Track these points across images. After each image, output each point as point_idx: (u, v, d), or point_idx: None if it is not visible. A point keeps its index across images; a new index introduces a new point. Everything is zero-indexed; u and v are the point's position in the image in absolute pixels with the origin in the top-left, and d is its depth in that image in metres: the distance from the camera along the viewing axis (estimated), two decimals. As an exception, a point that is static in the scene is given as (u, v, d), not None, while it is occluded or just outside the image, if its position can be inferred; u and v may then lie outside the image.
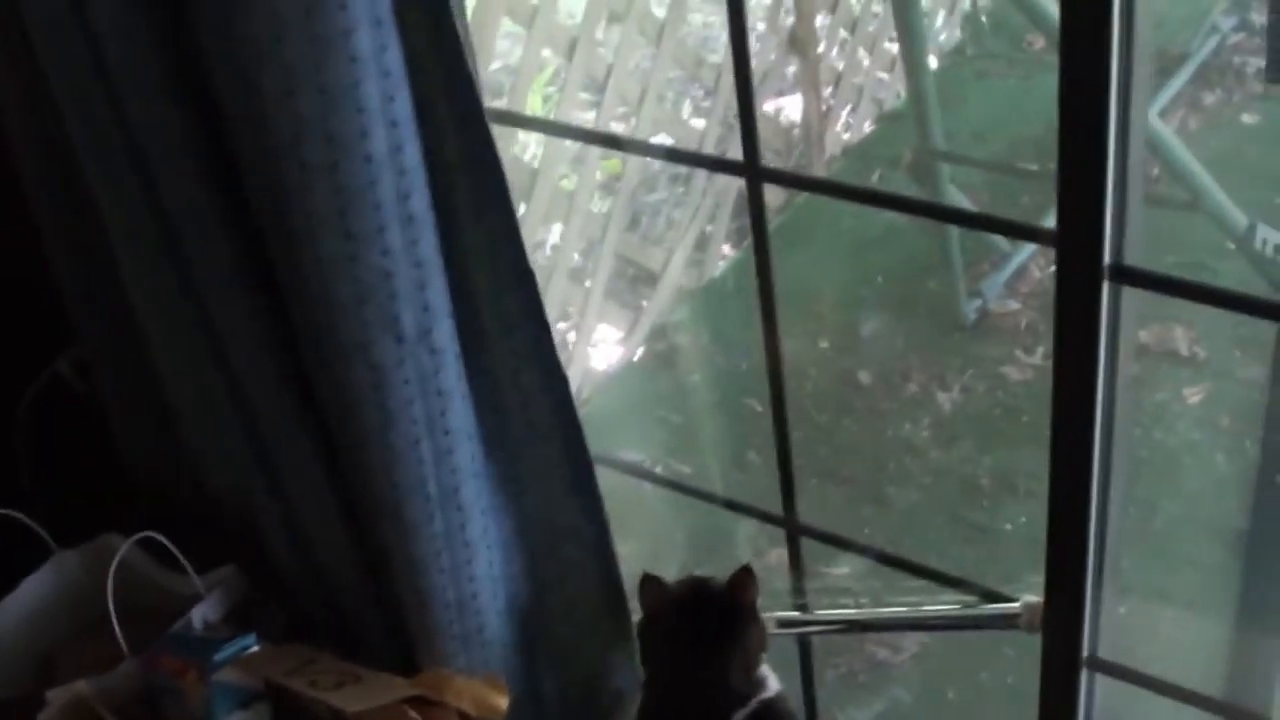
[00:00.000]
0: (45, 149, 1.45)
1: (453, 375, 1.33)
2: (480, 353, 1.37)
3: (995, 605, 1.46)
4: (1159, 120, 2.77)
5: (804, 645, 1.72)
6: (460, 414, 1.35)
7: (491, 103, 2.77)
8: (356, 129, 1.15)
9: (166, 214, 1.33)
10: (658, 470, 2.71)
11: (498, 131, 1.24)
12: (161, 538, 1.53)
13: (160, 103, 1.23)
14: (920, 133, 3.00)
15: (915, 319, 3.10)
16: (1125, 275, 1.09)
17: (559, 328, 2.97)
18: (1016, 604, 1.43)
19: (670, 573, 1.54)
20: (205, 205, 1.28)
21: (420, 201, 1.22)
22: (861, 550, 1.65)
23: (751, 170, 1.30)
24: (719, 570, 1.50)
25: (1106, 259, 1.08)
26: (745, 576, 1.48)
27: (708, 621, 1.48)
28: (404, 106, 1.18)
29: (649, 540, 2.30)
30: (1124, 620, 2.05)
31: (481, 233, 1.29)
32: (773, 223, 3.44)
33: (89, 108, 1.30)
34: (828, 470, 2.75)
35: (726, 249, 3.43)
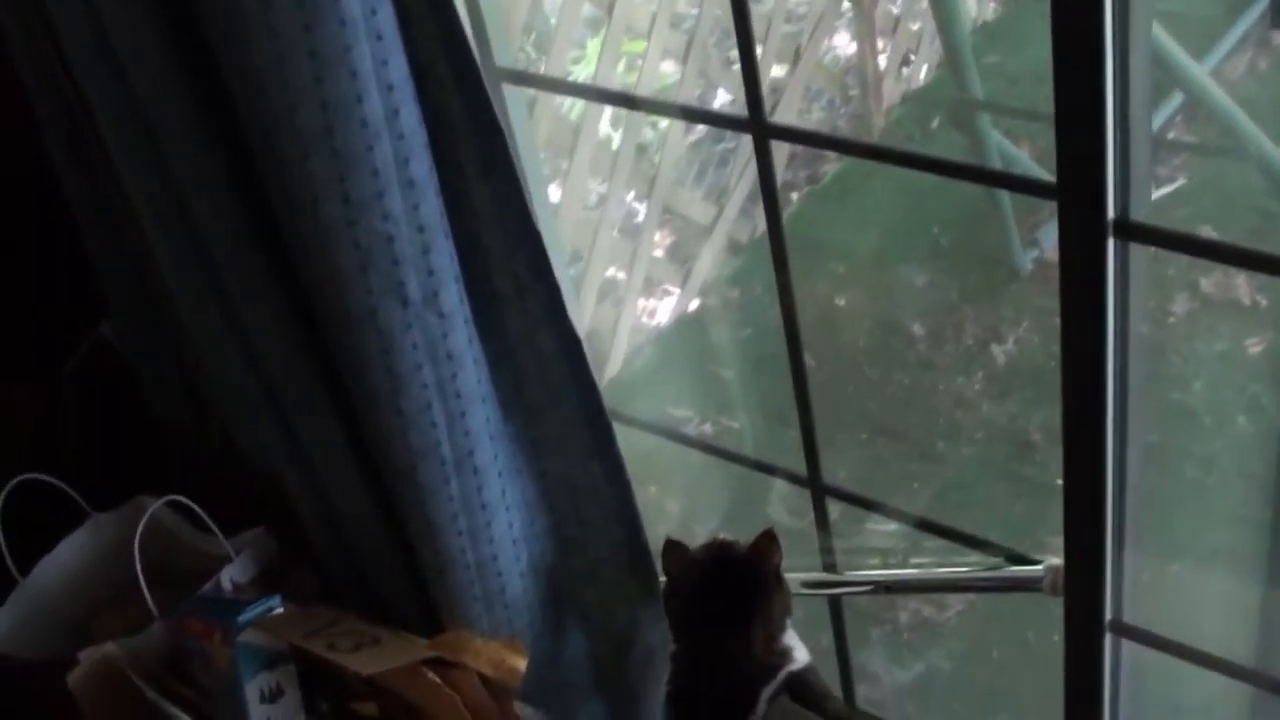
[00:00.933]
0: (69, 123, 1.46)
1: (462, 338, 1.32)
2: (494, 316, 1.36)
3: (1019, 568, 1.44)
4: (1179, 48, 2.66)
5: (835, 605, 1.70)
6: (472, 377, 1.34)
7: (537, 59, 2.76)
8: (351, 93, 1.14)
9: (176, 180, 1.33)
10: (707, 427, 2.69)
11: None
12: (187, 500, 1.55)
13: (160, 71, 1.23)
14: (957, 82, 2.94)
15: (970, 270, 3.04)
16: (1131, 231, 1.04)
17: (621, 278, 2.94)
18: (1040, 566, 1.41)
19: (718, 531, 1.53)
20: (210, 173, 1.28)
21: (420, 165, 1.21)
22: (887, 512, 1.62)
23: (757, 126, 1.27)
24: (754, 532, 1.49)
25: (1111, 214, 1.03)
26: (768, 541, 1.46)
27: (730, 586, 1.47)
28: (399, 70, 1.16)
29: (689, 498, 2.29)
30: (1173, 582, 2.01)
31: (487, 195, 1.28)
32: (829, 173, 3.42)
33: (98, 78, 1.31)
34: (879, 425, 2.72)
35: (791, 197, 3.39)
